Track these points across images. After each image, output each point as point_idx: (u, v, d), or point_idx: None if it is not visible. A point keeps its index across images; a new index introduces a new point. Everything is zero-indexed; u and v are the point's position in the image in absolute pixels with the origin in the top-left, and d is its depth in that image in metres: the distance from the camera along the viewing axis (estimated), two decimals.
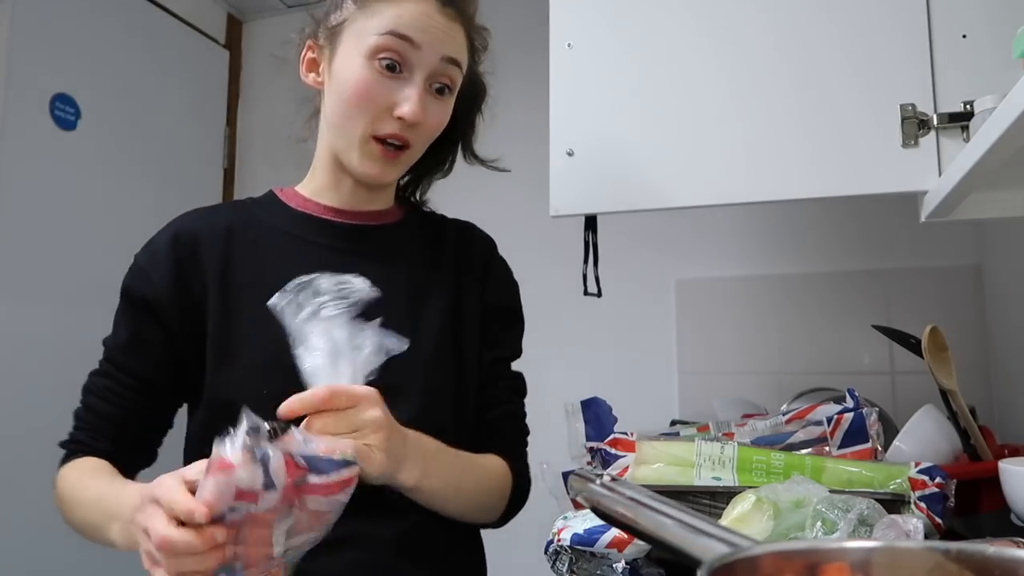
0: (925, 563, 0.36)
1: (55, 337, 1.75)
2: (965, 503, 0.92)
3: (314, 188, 0.92)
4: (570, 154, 1.15)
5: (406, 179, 1.02)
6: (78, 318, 1.80)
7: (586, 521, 0.84)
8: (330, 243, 0.88)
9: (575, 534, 0.83)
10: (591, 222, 1.21)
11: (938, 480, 0.80)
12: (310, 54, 0.91)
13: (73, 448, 0.86)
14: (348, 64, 0.83)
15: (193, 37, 2.20)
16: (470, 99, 0.96)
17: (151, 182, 2.03)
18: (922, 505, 0.79)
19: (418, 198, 1.03)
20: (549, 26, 1.20)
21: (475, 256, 0.97)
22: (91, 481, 0.80)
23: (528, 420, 1.00)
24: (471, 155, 1.00)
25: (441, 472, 0.80)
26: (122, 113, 1.95)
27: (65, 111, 1.79)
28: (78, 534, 0.83)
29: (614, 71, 1.17)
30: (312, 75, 0.91)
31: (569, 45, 1.19)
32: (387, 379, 0.74)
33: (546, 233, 1.27)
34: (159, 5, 2.07)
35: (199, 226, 0.88)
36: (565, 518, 0.88)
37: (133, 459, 0.87)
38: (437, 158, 0.99)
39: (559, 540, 0.85)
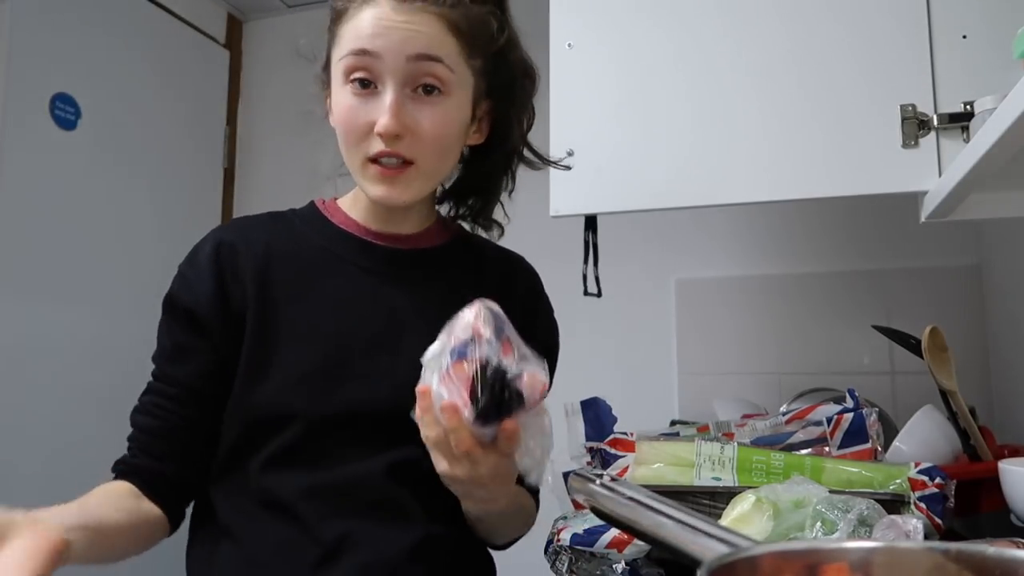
0: (925, 563, 0.36)
1: (55, 337, 1.75)
2: (965, 503, 0.92)
3: (358, 210, 0.90)
4: (570, 154, 1.15)
5: (452, 205, 0.97)
6: (78, 318, 1.80)
7: (586, 521, 0.84)
8: (369, 265, 0.87)
9: (574, 534, 0.83)
10: (591, 222, 1.22)
11: (938, 480, 0.80)
12: (328, 100, 0.88)
13: (119, 469, 0.82)
14: (335, 98, 0.82)
15: (193, 37, 2.20)
16: (502, 91, 0.87)
17: (151, 182, 2.03)
18: (922, 505, 0.79)
19: (473, 219, 0.97)
20: (549, 26, 1.20)
21: (519, 289, 0.94)
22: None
23: None
24: (522, 157, 0.93)
25: (506, 508, 0.82)
26: (122, 113, 1.95)
27: (65, 111, 1.79)
28: None
29: (614, 71, 1.17)
30: (332, 118, 0.88)
31: (569, 45, 1.19)
32: (395, 412, 0.77)
33: (546, 233, 1.27)
34: (159, 5, 2.07)
35: (240, 237, 0.86)
36: (565, 518, 0.89)
37: (182, 474, 0.83)
38: (475, 169, 0.93)
39: (559, 540, 0.85)
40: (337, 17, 0.81)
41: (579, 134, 1.16)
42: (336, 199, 0.93)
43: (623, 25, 1.17)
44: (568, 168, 1.01)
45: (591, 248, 1.21)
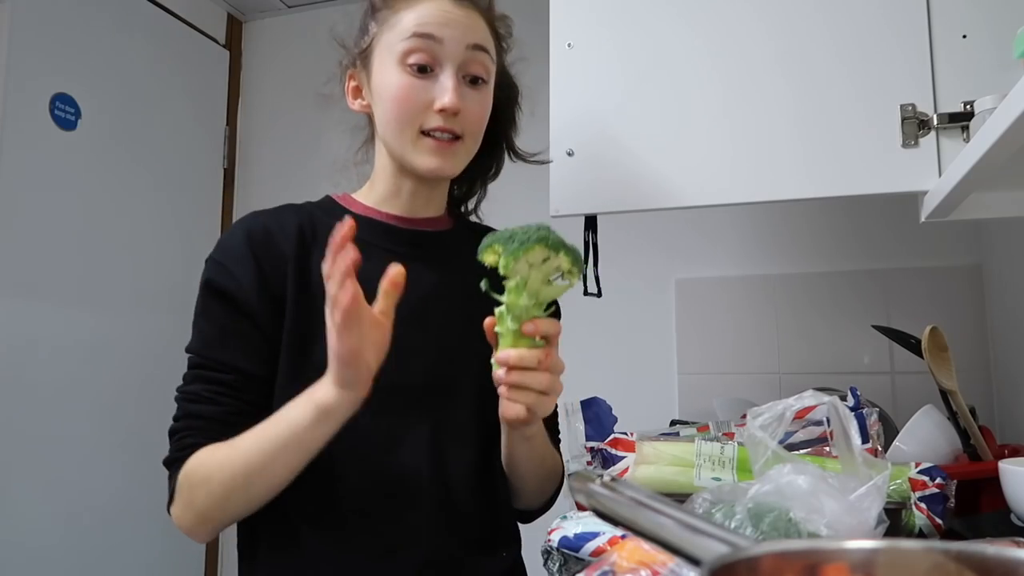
0: (925, 563, 0.36)
1: (55, 337, 1.75)
2: (965, 503, 0.93)
3: (375, 198, 0.96)
4: (570, 154, 1.15)
5: (461, 188, 1.07)
6: (78, 318, 1.80)
7: (579, 525, 0.83)
8: (394, 247, 0.92)
9: (563, 537, 0.83)
10: (591, 222, 1.21)
11: (938, 480, 0.80)
12: (352, 83, 0.96)
13: (184, 455, 0.81)
14: (384, 77, 0.89)
15: (193, 37, 2.20)
16: (504, 94, 0.99)
17: (151, 182, 2.03)
18: (922, 505, 0.79)
19: (474, 206, 1.08)
20: (549, 26, 1.20)
21: None
22: (242, 436, 0.79)
23: None
24: (513, 152, 1.04)
25: (544, 450, 0.91)
26: (122, 113, 1.95)
27: (65, 111, 1.79)
28: (216, 513, 0.81)
29: (614, 71, 1.17)
30: (359, 101, 0.96)
31: (569, 45, 1.19)
32: (446, 376, 0.89)
33: None
34: (159, 5, 2.07)
35: (269, 224, 0.89)
36: (564, 518, 0.88)
37: None
38: (484, 160, 1.02)
39: (549, 541, 0.85)
40: (385, 5, 0.89)
41: (579, 134, 1.16)
42: (347, 194, 0.98)
43: (623, 25, 1.17)
44: (547, 162, 1.08)
45: (591, 248, 1.21)
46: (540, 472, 0.94)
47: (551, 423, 1.00)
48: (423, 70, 0.87)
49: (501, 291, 0.76)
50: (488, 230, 1.01)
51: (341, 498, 0.84)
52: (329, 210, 0.94)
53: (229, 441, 0.79)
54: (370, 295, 0.83)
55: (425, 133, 0.87)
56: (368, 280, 0.85)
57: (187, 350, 0.88)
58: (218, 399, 0.83)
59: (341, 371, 0.72)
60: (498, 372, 0.78)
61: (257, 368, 0.84)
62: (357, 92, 0.96)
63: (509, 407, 0.78)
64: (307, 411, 0.75)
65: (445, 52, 0.86)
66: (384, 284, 0.72)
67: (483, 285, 0.77)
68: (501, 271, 0.74)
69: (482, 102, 0.90)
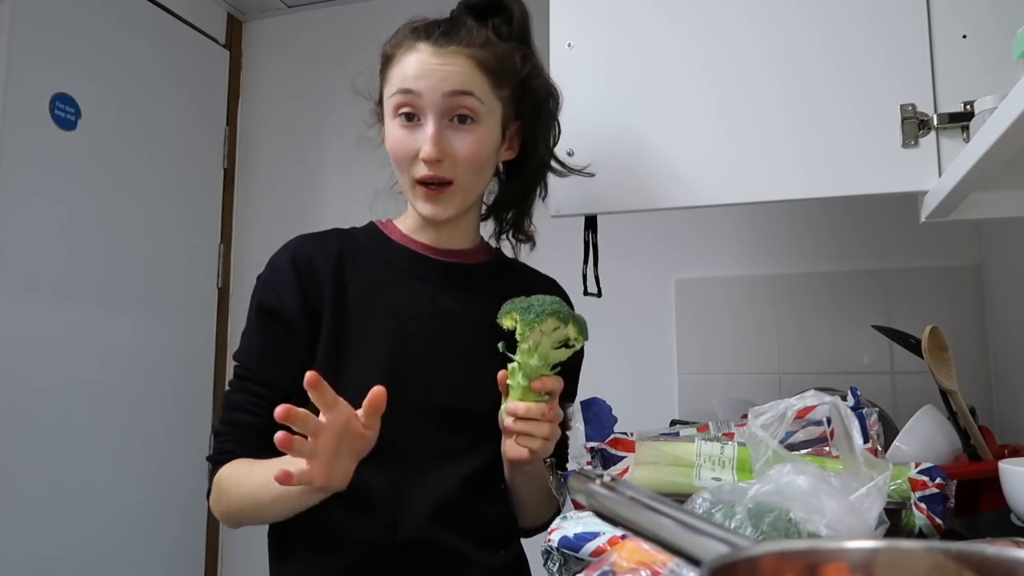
0: (925, 563, 0.36)
1: (55, 337, 1.75)
2: (965, 503, 0.92)
3: (409, 226, 1.03)
4: (570, 154, 1.15)
5: (495, 220, 1.10)
6: (78, 318, 1.80)
7: (579, 525, 0.83)
8: (427, 276, 1.00)
9: (563, 537, 0.83)
10: (591, 222, 1.21)
11: (938, 481, 0.80)
12: (382, 129, 1.02)
13: (223, 459, 0.93)
14: (387, 129, 0.97)
15: (193, 37, 2.20)
16: (528, 113, 1.01)
17: (151, 182, 2.03)
18: (922, 506, 0.79)
19: (512, 236, 1.10)
20: (549, 26, 1.20)
21: None
22: (260, 464, 0.89)
23: None
24: (550, 167, 1.06)
25: (542, 478, 0.96)
26: (122, 113, 1.95)
27: (65, 111, 1.79)
28: (235, 519, 0.94)
29: (614, 71, 1.17)
30: (386, 145, 1.01)
31: (569, 45, 1.19)
32: (465, 399, 0.96)
33: (546, 233, 1.27)
34: (159, 5, 2.07)
35: (313, 249, 0.97)
36: (565, 518, 0.88)
37: None
38: (515, 183, 1.07)
39: (549, 541, 0.85)
40: (387, 62, 0.96)
41: (579, 134, 1.16)
42: (391, 220, 1.05)
43: (623, 25, 1.17)
44: (591, 175, 1.09)
45: (591, 248, 1.21)
46: (536, 497, 1.01)
47: (561, 452, 1.06)
48: (409, 119, 0.93)
49: (514, 349, 0.87)
50: (524, 269, 1.11)
51: (363, 503, 0.91)
52: (372, 237, 1.02)
53: (250, 465, 0.90)
54: (403, 317, 0.96)
55: (419, 182, 0.93)
56: (400, 305, 0.97)
57: (234, 358, 0.98)
58: (255, 410, 0.92)
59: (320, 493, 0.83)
60: (507, 420, 0.88)
61: (293, 383, 0.87)
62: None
63: (513, 449, 0.89)
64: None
65: (425, 103, 0.91)
66: (367, 403, 0.77)
67: (500, 346, 0.88)
68: (517, 337, 0.86)
69: (472, 140, 0.93)
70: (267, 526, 0.98)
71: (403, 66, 0.93)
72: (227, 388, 0.97)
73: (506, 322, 0.87)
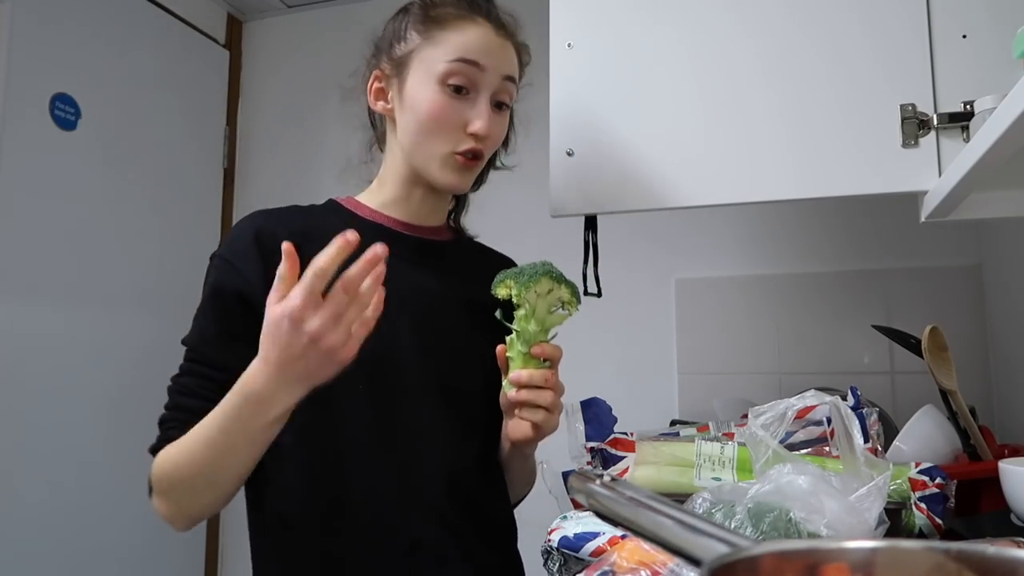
0: (925, 563, 0.36)
1: (55, 337, 1.75)
2: (965, 503, 0.93)
3: (382, 201, 0.99)
4: (570, 154, 1.15)
5: (455, 199, 1.09)
6: (78, 318, 1.80)
7: (579, 525, 0.84)
8: (400, 253, 0.89)
9: (563, 537, 0.83)
10: (591, 222, 1.21)
11: (938, 480, 0.80)
12: (377, 84, 0.98)
13: (163, 446, 0.83)
14: (420, 90, 0.92)
15: (193, 37, 2.20)
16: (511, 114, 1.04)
17: (151, 182, 2.03)
18: (922, 505, 0.79)
19: (459, 220, 1.10)
20: (549, 26, 1.20)
21: None
22: (194, 429, 0.80)
23: None
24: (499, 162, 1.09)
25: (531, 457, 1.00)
26: (122, 113, 1.95)
27: (65, 111, 1.79)
28: (188, 503, 0.83)
29: (614, 71, 1.17)
30: (381, 103, 0.98)
31: (569, 45, 1.19)
32: (459, 376, 0.93)
33: (546, 233, 1.27)
34: (159, 5, 2.07)
35: (276, 225, 0.90)
36: (564, 518, 0.89)
37: None
38: (483, 175, 1.07)
39: (549, 541, 0.85)
40: (432, 20, 0.92)
41: (579, 134, 1.15)
42: (351, 196, 1.00)
43: (623, 25, 1.17)
44: (510, 168, 1.11)
45: (591, 248, 1.21)
46: (523, 478, 1.04)
47: None
48: (459, 91, 0.91)
49: (510, 320, 0.87)
50: (485, 249, 1.10)
51: (353, 490, 0.87)
52: (335, 213, 0.97)
53: (188, 432, 0.80)
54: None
55: (461, 154, 0.92)
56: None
57: (183, 342, 0.89)
58: (207, 394, 0.83)
59: (318, 374, 0.74)
60: (509, 393, 0.85)
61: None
62: (380, 94, 0.97)
63: (516, 428, 0.87)
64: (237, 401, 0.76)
65: (484, 79, 0.91)
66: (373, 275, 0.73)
67: (497, 314, 0.87)
68: (514, 300, 0.85)
69: (503, 126, 0.96)
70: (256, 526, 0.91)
71: (465, 36, 0.91)
72: (175, 374, 0.88)
73: (500, 291, 0.87)
